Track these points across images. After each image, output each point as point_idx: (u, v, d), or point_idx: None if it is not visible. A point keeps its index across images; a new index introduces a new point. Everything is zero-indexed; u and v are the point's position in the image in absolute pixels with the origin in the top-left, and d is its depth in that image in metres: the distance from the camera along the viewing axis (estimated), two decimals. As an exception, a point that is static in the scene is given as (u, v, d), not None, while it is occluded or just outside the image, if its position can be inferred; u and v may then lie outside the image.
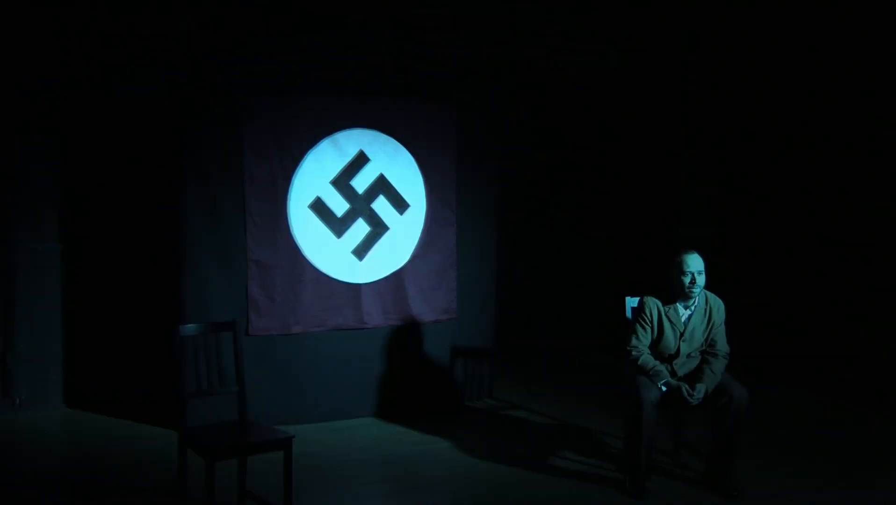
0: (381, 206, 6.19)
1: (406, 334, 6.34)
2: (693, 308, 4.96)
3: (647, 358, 4.92)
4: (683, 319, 4.95)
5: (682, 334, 4.94)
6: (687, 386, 4.80)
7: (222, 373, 4.53)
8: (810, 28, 7.06)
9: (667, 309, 4.95)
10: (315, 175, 5.98)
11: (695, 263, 4.86)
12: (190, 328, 4.53)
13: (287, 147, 5.88)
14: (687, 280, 4.84)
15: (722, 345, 4.99)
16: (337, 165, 6.04)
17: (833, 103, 6.92)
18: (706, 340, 4.99)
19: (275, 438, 4.37)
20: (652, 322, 4.95)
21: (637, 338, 4.96)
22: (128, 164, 6.29)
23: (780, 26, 7.31)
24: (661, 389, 4.82)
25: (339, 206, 6.07)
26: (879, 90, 6.56)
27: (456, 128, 6.39)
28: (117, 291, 6.38)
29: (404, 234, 6.28)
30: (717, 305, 5.02)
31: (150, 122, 6.17)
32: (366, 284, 6.17)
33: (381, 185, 6.18)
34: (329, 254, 6.06)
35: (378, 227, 6.18)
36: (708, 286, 5.00)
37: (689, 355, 4.98)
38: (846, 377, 6.77)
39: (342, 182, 6.07)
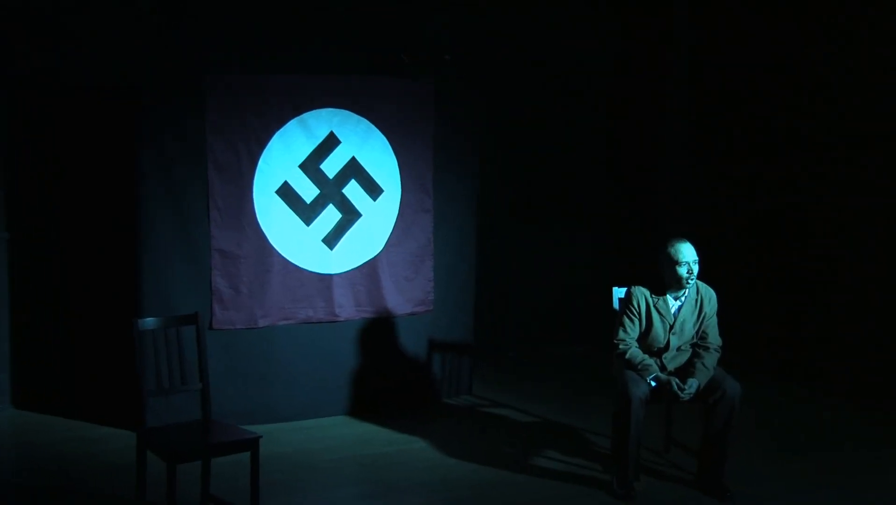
0: (353, 191, 6.16)
1: (380, 328, 6.32)
2: (683, 299, 4.98)
3: (635, 351, 4.94)
4: (673, 311, 4.97)
5: (671, 327, 4.96)
6: (678, 381, 4.82)
7: (184, 369, 4.50)
8: (799, 18, 7.12)
9: (655, 300, 4.96)
10: (282, 158, 5.95)
11: (689, 253, 4.87)
12: (149, 322, 4.51)
13: (252, 129, 5.84)
14: (683, 271, 4.85)
15: (714, 338, 5.01)
16: (306, 148, 6.01)
17: (824, 93, 6.98)
18: (697, 332, 5.01)
19: (240, 438, 4.35)
20: (640, 314, 4.97)
21: (624, 330, 4.98)
22: (81, 146, 6.20)
23: (770, 18, 7.36)
24: (650, 384, 4.84)
25: (308, 191, 6.04)
26: (874, 83, 6.63)
27: (433, 108, 6.36)
28: (70, 283, 6.30)
29: (378, 222, 6.26)
30: (709, 295, 5.04)
31: (105, 102, 6.08)
32: (337, 274, 6.14)
33: (353, 169, 6.15)
34: (298, 242, 6.03)
35: (350, 214, 6.16)
36: (698, 276, 5.01)
37: (679, 349, 5.00)
38: (843, 373, 6.83)
39: (311, 166, 6.04)
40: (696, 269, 4.87)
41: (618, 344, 4.98)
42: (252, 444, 4.31)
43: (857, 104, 6.74)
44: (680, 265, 4.85)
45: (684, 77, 8.13)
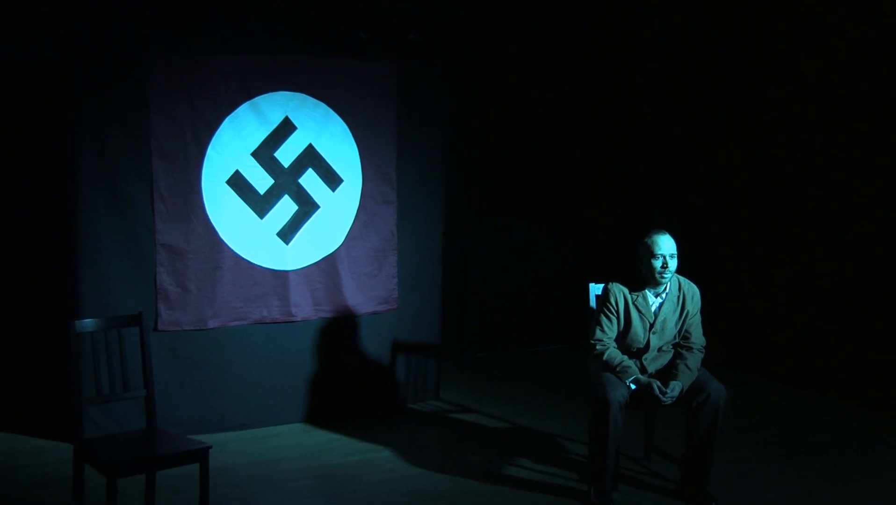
0: (311, 181, 6.13)
1: (340, 328, 6.31)
2: (664, 296, 4.99)
3: (613, 352, 4.94)
4: (653, 309, 4.98)
5: (652, 325, 4.97)
6: (659, 383, 4.82)
7: (126, 375, 4.48)
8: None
9: (634, 297, 4.97)
10: (233, 145, 5.90)
11: (666, 245, 4.88)
12: (88, 323, 4.46)
13: (200, 113, 5.79)
14: (658, 264, 4.86)
15: (697, 337, 5.03)
16: (259, 134, 5.97)
17: (814, 75, 7.03)
18: (679, 331, 5.03)
19: (188, 449, 4.32)
20: (618, 312, 4.97)
21: (602, 330, 4.98)
22: (8, 130, 6.08)
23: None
24: (629, 387, 4.85)
25: (261, 181, 6.00)
26: (870, 64, 6.68)
27: (396, 92, 6.36)
28: None
29: (337, 214, 6.24)
30: (692, 292, 5.05)
31: (36, 80, 5.96)
32: (293, 270, 6.12)
33: (310, 157, 6.12)
34: (251, 236, 5.99)
35: (307, 206, 6.13)
36: (680, 272, 5.02)
37: (660, 349, 5.01)
38: (836, 374, 6.90)
39: (265, 154, 6.00)
40: (672, 263, 4.88)
41: (595, 344, 4.98)
42: (201, 455, 4.29)
43: (851, 87, 6.79)
44: (655, 258, 4.86)
45: (665, 62, 8.17)
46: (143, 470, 4.37)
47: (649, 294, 4.99)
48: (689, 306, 5.02)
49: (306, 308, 6.18)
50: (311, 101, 6.10)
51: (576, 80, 8.44)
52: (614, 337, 4.99)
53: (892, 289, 6.49)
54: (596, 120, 8.51)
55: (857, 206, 6.77)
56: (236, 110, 5.88)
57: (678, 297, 5.01)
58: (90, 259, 5.59)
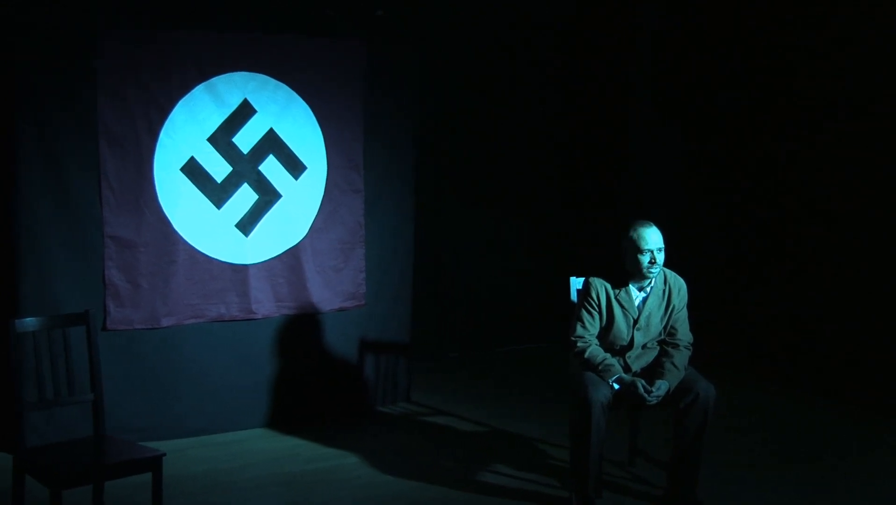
0: (272, 168, 6.12)
1: (304, 326, 6.30)
2: (649, 290, 4.99)
3: (595, 350, 4.94)
4: (637, 304, 4.98)
5: (636, 321, 4.97)
6: (644, 382, 4.82)
7: (72, 377, 4.43)
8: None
9: (617, 292, 4.97)
10: (188, 130, 5.88)
11: (654, 239, 4.88)
12: (29, 322, 4.42)
13: (152, 95, 5.76)
14: (646, 259, 4.85)
15: (684, 333, 5.03)
16: (215, 118, 5.96)
17: (804, 64, 7.06)
18: (665, 327, 5.03)
19: (140, 457, 4.30)
20: (600, 307, 4.97)
21: (583, 326, 4.98)
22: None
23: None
24: (612, 386, 4.84)
25: (218, 168, 5.98)
26: (859, 57, 6.73)
27: (363, 73, 6.35)
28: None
29: (300, 203, 6.23)
30: (678, 286, 5.05)
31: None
32: (254, 264, 6.12)
33: (271, 143, 6.11)
34: (207, 228, 5.98)
35: (267, 195, 6.12)
36: (677, 272, 5.03)
37: (645, 346, 5.01)
38: (833, 374, 6.95)
39: (222, 139, 5.98)
40: (660, 257, 4.89)
41: (575, 342, 4.97)
42: (154, 463, 4.26)
43: (850, 87, 6.85)
44: (642, 253, 4.86)
45: (649, 44, 8.19)
46: (90, 481, 4.31)
47: (633, 288, 4.98)
48: (675, 301, 5.01)
49: (268, 304, 6.17)
50: (272, 82, 6.09)
51: (558, 71, 8.46)
52: (596, 334, 4.99)
53: (892, 289, 6.55)
54: (577, 106, 8.51)
55: (857, 206, 6.82)
56: (191, 92, 5.85)
57: (664, 291, 5.01)
58: (32, 253, 5.55)
